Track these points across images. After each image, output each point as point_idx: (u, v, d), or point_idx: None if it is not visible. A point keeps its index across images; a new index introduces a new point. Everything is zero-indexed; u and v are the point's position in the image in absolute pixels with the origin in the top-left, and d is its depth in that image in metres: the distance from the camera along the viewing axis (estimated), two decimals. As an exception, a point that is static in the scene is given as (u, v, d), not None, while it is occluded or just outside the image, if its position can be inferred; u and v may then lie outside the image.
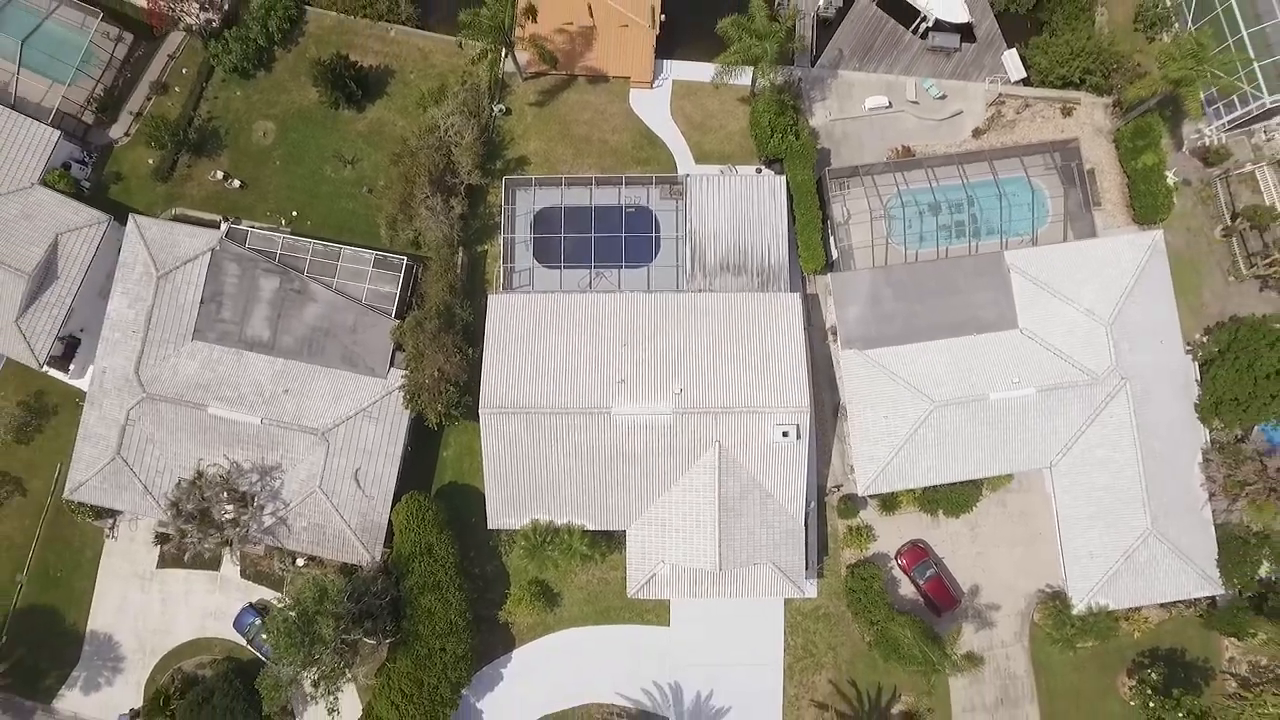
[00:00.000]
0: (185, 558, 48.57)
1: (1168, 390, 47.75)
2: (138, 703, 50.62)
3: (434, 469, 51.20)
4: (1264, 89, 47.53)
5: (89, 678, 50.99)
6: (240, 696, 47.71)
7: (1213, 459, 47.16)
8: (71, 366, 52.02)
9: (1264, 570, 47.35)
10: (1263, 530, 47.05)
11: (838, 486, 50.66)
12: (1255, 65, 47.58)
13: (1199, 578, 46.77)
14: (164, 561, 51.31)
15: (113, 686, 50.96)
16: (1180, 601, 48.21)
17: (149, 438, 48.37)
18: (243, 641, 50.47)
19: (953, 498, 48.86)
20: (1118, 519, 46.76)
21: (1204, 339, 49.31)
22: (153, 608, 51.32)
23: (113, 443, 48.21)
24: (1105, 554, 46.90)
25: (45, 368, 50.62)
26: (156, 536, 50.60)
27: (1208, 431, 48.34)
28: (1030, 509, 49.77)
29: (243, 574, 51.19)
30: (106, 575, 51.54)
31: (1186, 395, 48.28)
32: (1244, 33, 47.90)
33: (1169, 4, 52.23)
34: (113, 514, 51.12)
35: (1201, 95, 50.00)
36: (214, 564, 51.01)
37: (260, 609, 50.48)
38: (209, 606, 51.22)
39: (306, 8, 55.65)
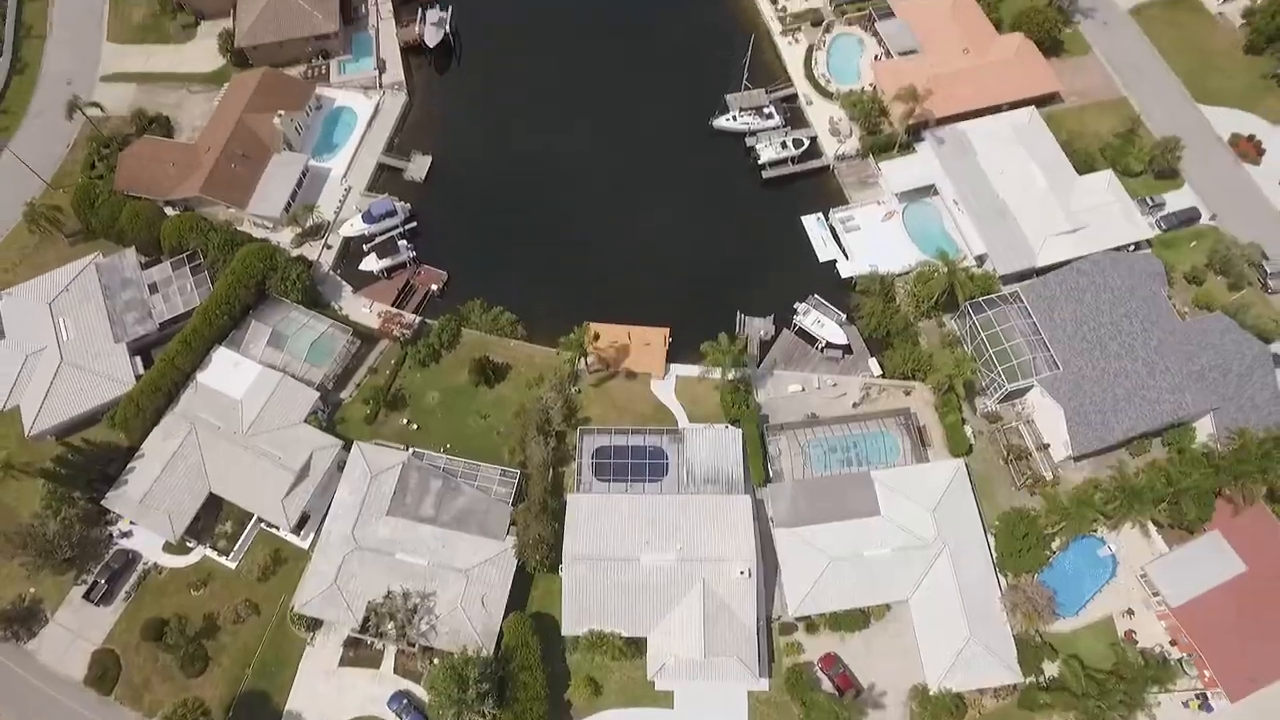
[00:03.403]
0: (379, 647, 77.02)
1: (974, 552, 79.23)
2: (318, 761, 75.66)
3: (526, 600, 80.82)
4: (1004, 382, 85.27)
5: (286, 741, 76.59)
6: (393, 748, 73.50)
7: (1004, 592, 77.52)
8: (300, 533, 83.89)
9: (1049, 667, 75.53)
10: (1038, 635, 76.16)
11: (778, 617, 79.93)
12: (999, 368, 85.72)
13: (1005, 669, 74.78)
14: (343, 661, 79.08)
15: (302, 749, 76.40)
16: (1002, 689, 75.36)
17: (353, 573, 78.93)
18: (392, 718, 76.68)
19: (849, 621, 78.12)
20: (951, 630, 75.78)
21: (997, 523, 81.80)
22: (332, 693, 78.05)
23: (331, 576, 78.65)
24: (946, 654, 75.26)
25: (289, 533, 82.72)
26: (347, 641, 79.11)
27: (1003, 576, 79.15)
28: (902, 630, 78.51)
29: (394, 671, 78.68)
30: (304, 671, 78.86)
31: (987, 554, 79.73)
32: (990, 351, 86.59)
33: (956, 334, 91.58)
34: (317, 626, 79.82)
35: (982, 381, 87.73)
36: (375, 663, 78.81)
37: (404, 695, 77.34)
38: (370, 693, 77.94)
39: (462, 329, 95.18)
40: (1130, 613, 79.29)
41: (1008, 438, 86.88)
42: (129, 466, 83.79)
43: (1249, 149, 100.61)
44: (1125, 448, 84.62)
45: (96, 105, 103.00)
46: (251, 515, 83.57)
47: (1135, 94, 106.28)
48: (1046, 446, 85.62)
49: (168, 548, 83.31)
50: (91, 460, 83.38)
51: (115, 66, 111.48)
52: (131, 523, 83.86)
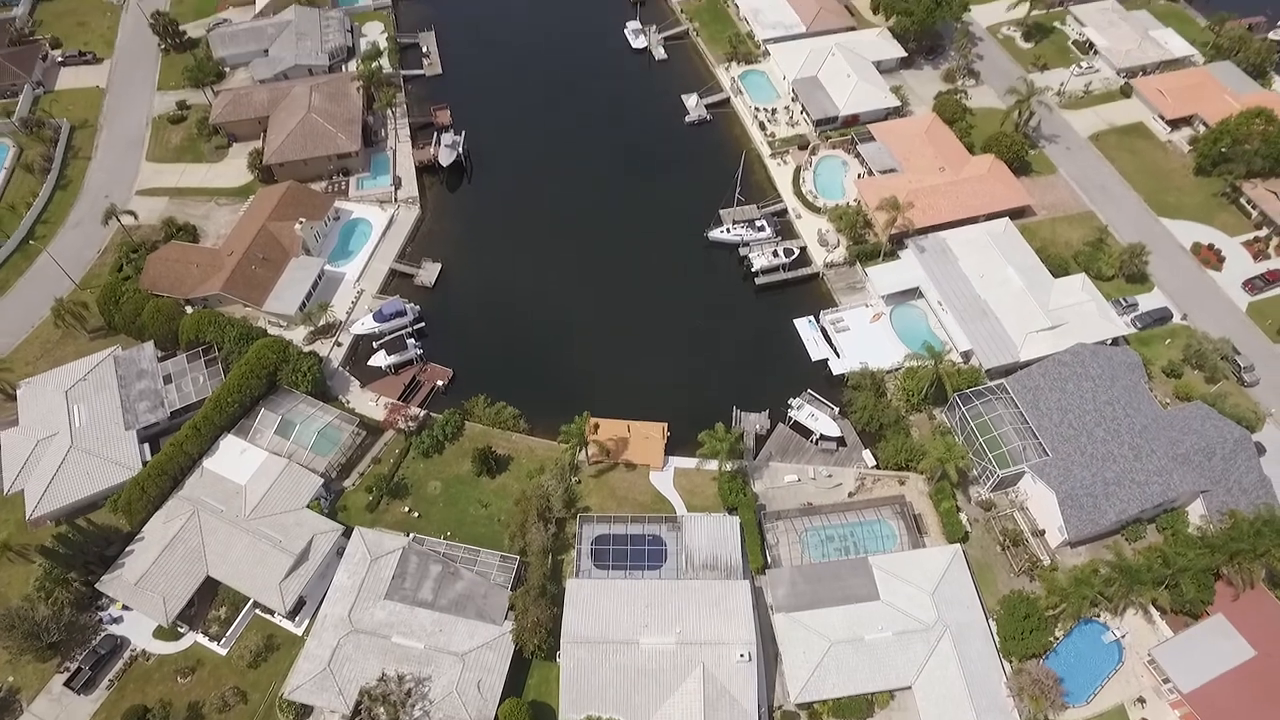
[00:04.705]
0: (367, 734, 74.59)
1: (976, 635, 78.35)
2: None
3: (523, 688, 78.77)
4: (996, 469, 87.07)
5: (266, 839, 72.45)
6: (378, 843, 69.59)
7: (1009, 675, 76.01)
8: (295, 618, 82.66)
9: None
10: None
11: (779, 706, 77.79)
12: (989, 455, 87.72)
13: (1012, 757, 72.43)
14: (331, 754, 76.23)
15: (281, 847, 72.17)
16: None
17: (348, 657, 77.39)
18: (378, 813, 73.07)
19: (853, 708, 76.04)
20: (957, 717, 73.81)
21: (998, 608, 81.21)
22: (317, 788, 74.80)
23: (325, 660, 77.08)
24: (954, 742, 73.13)
25: (284, 618, 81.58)
26: (337, 730, 76.49)
27: (1007, 662, 77.78)
28: (908, 718, 76.30)
29: (384, 763, 75.64)
30: (289, 763, 75.99)
31: (989, 638, 78.73)
32: (980, 440, 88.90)
33: (947, 425, 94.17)
34: (306, 714, 77.23)
35: (974, 469, 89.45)
36: (366, 754, 75.86)
37: (393, 788, 74.02)
38: (357, 788, 74.69)
39: (465, 423, 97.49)
40: (1142, 701, 77.40)
41: (1003, 524, 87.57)
42: (128, 549, 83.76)
43: (1210, 256, 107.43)
44: (1121, 534, 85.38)
45: (131, 213, 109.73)
46: (247, 600, 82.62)
47: (1101, 209, 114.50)
48: (1042, 533, 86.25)
49: (158, 633, 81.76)
50: (91, 541, 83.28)
51: (151, 182, 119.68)
52: (124, 608, 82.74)
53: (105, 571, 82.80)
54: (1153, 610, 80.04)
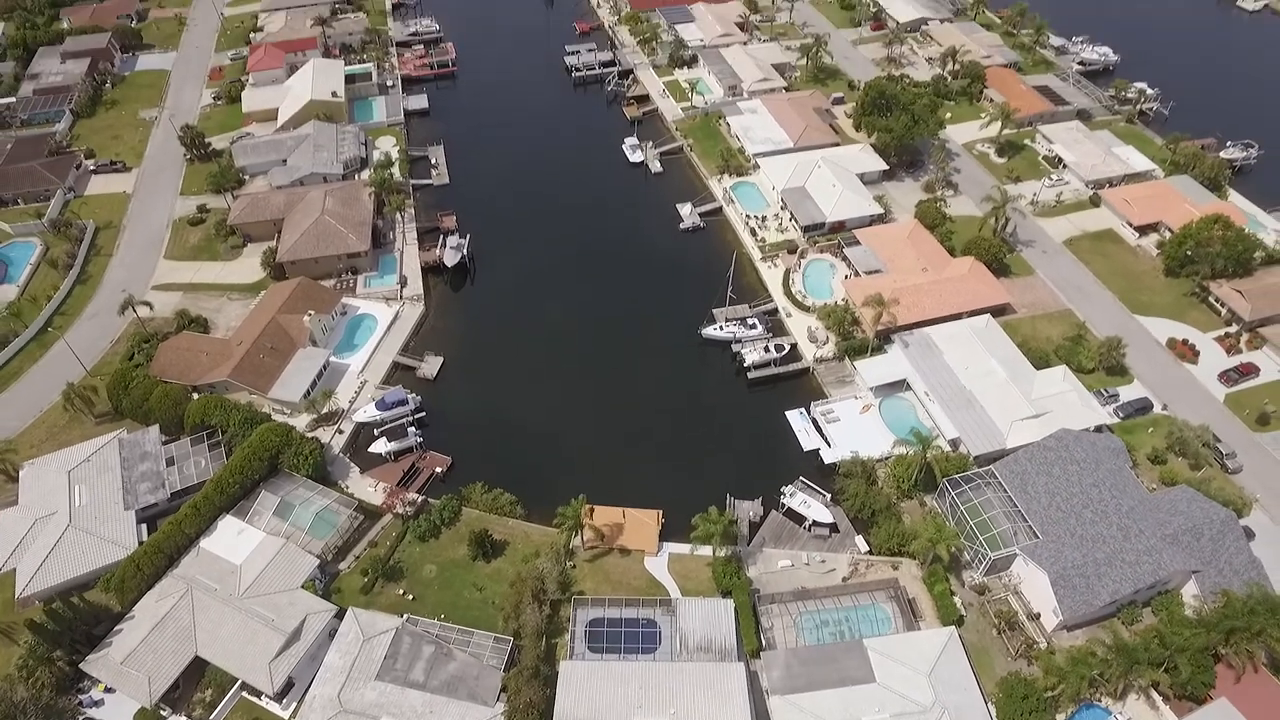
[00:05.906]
0: (346, 819, 71.62)
1: (975, 718, 76.89)
2: None
3: (512, 774, 76.71)
4: (988, 551, 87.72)
5: None
6: None
7: (1011, 762, 74.33)
8: (283, 701, 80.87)
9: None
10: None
11: (780, 793, 75.53)
12: (980, 538, 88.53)
13: (1023, 847, 69.76)
14: (312, 846, 73.09)
15: None
16: None
17: (336, 740, 75.74)
18: None
19: (854, 794, 73.91)
20: (960, 804, 71.78)
21: (996, 691, 79.99)
22: None
23: (312, 743, 75.39)
24: (958, 831, 70.60)
25: (271, 700, 79.90)
26: (318, 818, 73.59)
27: (1010, 747, 76.25)
28: (909, 809, 74.08)
29: None
30: None
31: (989, 722, 77.61)
32: (971, 524, 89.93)
33: (939, 510, 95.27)
34: (289, 804, 74.75)
35: (966, 553, 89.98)
36: None
37: None
38: None
39: (463, 508, 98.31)
40: (1149, 790, 75.49)
41: (997, 607, 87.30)
42: (116, 628, 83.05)
43: (1185, 351, 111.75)
44: (1117, 617, 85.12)
45: (147, 304, 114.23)
46: (234, 682, 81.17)
47: (1078, 306, 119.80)
48: (1037, 616, 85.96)
49: (140, 716, 79.66)
50: (81, 618, 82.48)
51: (167, 278, 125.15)
52: (107, 689, 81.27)
53: (91, 651, 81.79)
54: (1155, 695, 78.90)
